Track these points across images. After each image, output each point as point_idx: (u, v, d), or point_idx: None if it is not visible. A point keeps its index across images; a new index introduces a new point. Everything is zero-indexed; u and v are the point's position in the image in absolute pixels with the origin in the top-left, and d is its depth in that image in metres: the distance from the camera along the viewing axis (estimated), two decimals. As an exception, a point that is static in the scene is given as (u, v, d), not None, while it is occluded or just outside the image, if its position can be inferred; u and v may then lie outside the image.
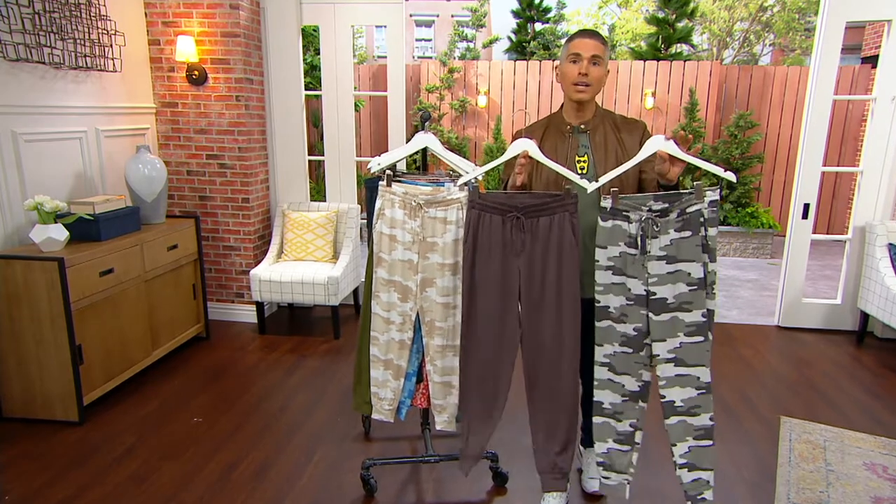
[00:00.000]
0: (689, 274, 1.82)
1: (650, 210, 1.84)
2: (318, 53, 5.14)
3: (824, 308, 4.25)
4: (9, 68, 2.92)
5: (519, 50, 10.30)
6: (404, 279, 2.17)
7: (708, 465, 1.90)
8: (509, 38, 10.52)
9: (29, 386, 2.85)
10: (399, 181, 2.19)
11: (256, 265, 4.16)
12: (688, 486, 1.92)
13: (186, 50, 3.81)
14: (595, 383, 2.00)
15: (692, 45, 9.28)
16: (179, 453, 2.65)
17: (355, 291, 4.48)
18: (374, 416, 2.33)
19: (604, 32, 13.63)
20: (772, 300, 4.92)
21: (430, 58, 12.68)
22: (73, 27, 3.23)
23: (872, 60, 6.73)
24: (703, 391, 1.87)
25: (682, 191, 1.84)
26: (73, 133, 3.35)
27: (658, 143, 1.80)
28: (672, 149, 1.78)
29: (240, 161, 4.07)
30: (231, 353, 3.76)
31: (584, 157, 2.05)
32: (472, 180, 2.03)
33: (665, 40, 8.31)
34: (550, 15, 10.39)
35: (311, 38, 6.38)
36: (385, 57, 4.96)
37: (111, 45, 3.54)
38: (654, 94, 7.14)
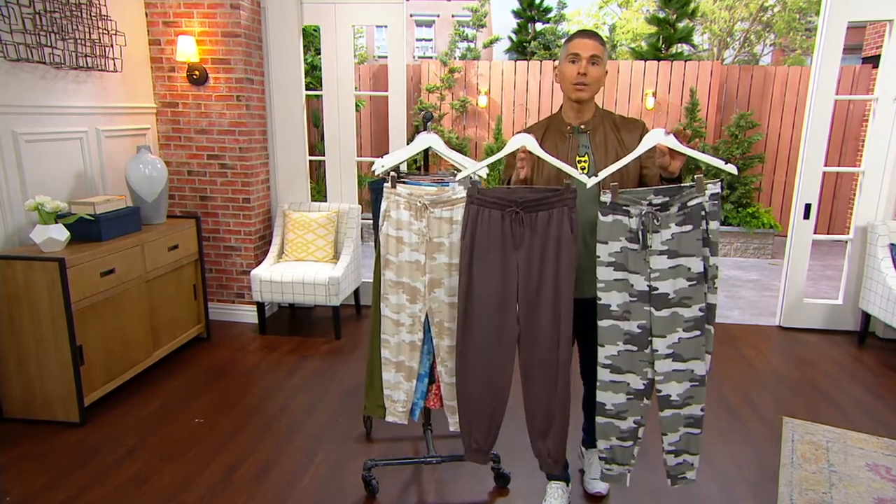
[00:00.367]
0: (690, 269, 1.81)
1: (650, 204, 1.83)
2: (319, 53, 5.14)
3: (826, 308, 4.24)
4: (9, 68, 2.92)
5: (519, 50, 10.30)
6: (412, 280, 2.17)
7: (695, 450, 1.95)
8: (510, 38, 10.52)
9: (29, 386, 2.84)
10: (403, 182, 2.18)
11: (257, 265, 4.16)
12: (671, 467, 1.97)
13: (187, 50, 3.81)
14: (598, 384, 1.99)
15: (693, 45, 9.28)
16: (180, 454, 2.65)
17: (356, 292, 4.48)
18: (388, 418, 2.32)
19: (604, 32, 13.62)
20: (773, 300, 4.91)
21: (431, 58, 12.67)
22: (73, 27, 3.23)
23: (873, 60, 6.72)
24: (697, 384, 1.88)
25: (683, 184, 1.83)
26: (74, 133, 3.34)
27: (657, 137, 1.79)
28: (671, 142, 1.78)
29: (240, 161, 4.06)
30: (232, 354, 3.76)
31: (584, 156, 2.05)
32: (474, 175, 2.03)
33: (666, 40, 8.31)
34: (551, 15, 10.40)
35: (311, 38, 6.37)
36: (385, 57, 4.96)
37: (112, 45, 3.54)
38: (654, 95, 7.14)
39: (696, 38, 11.29)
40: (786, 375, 3.53)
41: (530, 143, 1.91)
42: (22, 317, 2.77)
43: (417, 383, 2.30)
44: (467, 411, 2.10)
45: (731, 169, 1.75)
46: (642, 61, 7.28)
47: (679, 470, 1.97)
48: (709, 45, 13.45)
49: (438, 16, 20.59)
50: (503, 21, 12.62)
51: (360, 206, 4.33)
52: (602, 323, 1.93)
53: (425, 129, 2.37)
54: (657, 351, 1.87)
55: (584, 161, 2.04)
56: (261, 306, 4.07)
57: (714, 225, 1.81)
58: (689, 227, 1.79)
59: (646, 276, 1.85)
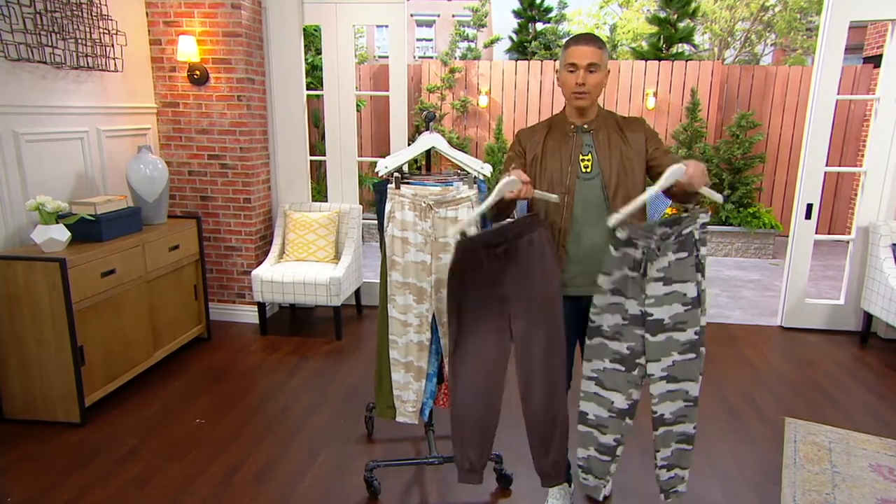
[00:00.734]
0: (685, 294, 1.85)
1: (658, 237, 1.84)
2: (320, 53, 5.13)
3: (827, 308, 4.24)
4: (10, 68, 2.91)
5: (520, 50, 10.28)
6: (418, 281, 2.17)
7: (686, 464, 2.02)
8: (510, 38, 10.50)
9: (30, 387, 2.83)
10: (407, 183, 2.18)
11: (258, 266, 4.15)
12: (664, 482, 2.02)
13: (188, 50, 3.80)
14: (581, 395, 2.02)
15: (694, 45, 9.27)
16: (182, 455, 2.64)
17: (357, 292, 4.47)
18: (399, 419, 2.32)
19: (605, 32, 13.62)
20: (774, 300, 4.90)
21: (432, 58, 12.66)
22: (74, 27, 3.22)
23: (875, 60, 6.72)
24: (691, 404, 1.93)
25: (682, 215, 1.86)
26: (75, 133, 3.34)
27: (677, 174, 1.79)
28: (690, 185, 1.79)
29: (241, 161, 4.05)
30: (232, 354, 3.75)
31: (587, 155, 2.05)
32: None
33: (666, 40, 8.30)
34: (552, 15, 10.37)
35: (312, 38, 6.37)
36: (386, 57, 4.96)
37: (112, 45, 3.53)
38: (655, 94, 7.13)
39: (697, 38, 11.29)
40: (787, 376, 3.52)
41: (516, 178, 1.85)
42: (23, 317, 2.76)
43: (426, 383, 2.31)
44: (461, 429, 2.07)
45: (719, 198, 1.86)
46: (643, 61, 7.27)
47: (671, 484, 2.03)
48: (710, 45, 13.46)
49: (439, 16, 20.59)
50: (504, 21, 12.61)
51: (360, 207, 4.33)
52: (591, 341, 1.97)
53: (428, 129, 2.36)
54: (652, 375, 1.91)
55: (588, 159, 2.04)
56: (261, 306, 4.06)
57: (703, 251, 1.87)
58: (684, 254, 1.83)
59: (639, 301, 1.88)
